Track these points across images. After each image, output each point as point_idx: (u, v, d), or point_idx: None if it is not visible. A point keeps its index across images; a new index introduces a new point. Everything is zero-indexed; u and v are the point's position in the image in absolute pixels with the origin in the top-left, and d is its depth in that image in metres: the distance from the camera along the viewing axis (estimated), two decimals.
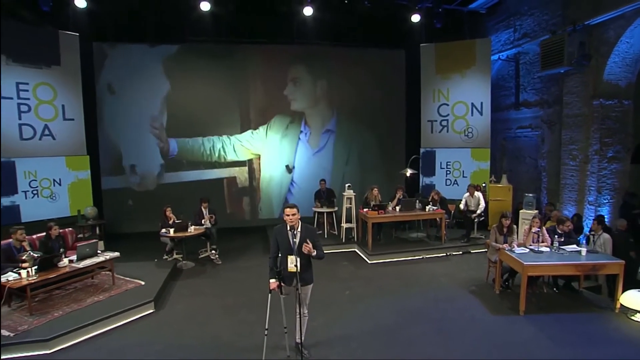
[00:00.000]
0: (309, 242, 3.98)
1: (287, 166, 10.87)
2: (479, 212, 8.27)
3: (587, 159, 7.87)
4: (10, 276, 4.98)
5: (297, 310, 4.05)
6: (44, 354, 4.38)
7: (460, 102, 9.86)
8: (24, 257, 5.08)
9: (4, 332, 4.51)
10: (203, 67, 10.22)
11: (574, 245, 5.62)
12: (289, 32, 10.29)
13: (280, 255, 4.14)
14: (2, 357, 4.25)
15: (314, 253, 4.03)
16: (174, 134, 10.21)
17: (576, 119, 8.02)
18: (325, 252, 8.02)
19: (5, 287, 4.83)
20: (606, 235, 5.81)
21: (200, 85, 10.31)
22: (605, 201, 7.85)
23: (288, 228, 4.04)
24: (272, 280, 4.09)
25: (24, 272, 4.99)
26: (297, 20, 9.67)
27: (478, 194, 8.48)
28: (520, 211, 8.05)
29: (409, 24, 9.71)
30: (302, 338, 4.29)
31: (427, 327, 4.90)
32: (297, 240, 4.05)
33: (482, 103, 9.67)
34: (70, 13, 8.19)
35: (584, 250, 5.35)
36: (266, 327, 4.17)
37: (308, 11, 9.14)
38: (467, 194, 8.52)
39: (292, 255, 4.01)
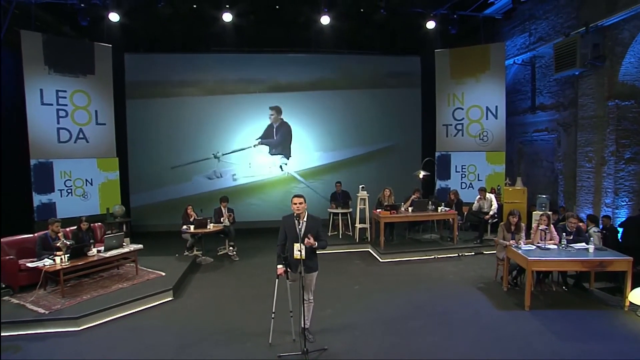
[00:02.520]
0: (310, 236, 4.21)
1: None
2: (491, 213, 8.30)
3: (603, 160, 7.80)
4: (47, 262, 5.49)
5: (302, 296, 4.29)
6: (73, 330, 4.83)
7: (475, 106, 9.95)
8: (58, 245, 5.58)
9: (41, 310, 5.00)
10: (226, 75, 10.74)
11: (583, 244, 5.62)
12: (307, 41, 10.71)
13: (287, 243, 4.40)
14: (39, 330, 4.76)
15: (315, 244, 4.28)
16: (197, 137, 10.76)
17: (591, 120, 7.97)
18: (339, 251, 8.37)
19: (42, 271, 5.32)
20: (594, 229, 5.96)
21: (223, 92, 10.82)
22: (623, 203, 7.73)
23: (295, 217, 4.32)
24: (279, 266, 4.37)
25: (58, 259, 5.49)
26: (315, 29, 10.06)
27: (490, 195, 8.53)
28: (534, 212, 8.02)
29: (424, 30, 9.94)
30: (308, 323, 4.53)
31: (430, 319, 5.04)
32: (302, 228, 4.31)
33: (497, 107, 9.73)
34: (105, 26, 8.87)
35: (591, 247, 5.36)
36: (273, 310, 4.46)
37: (325, 20, 9.51)
38: (479, 196, 8.59)
39: (297, 243, 4.27)
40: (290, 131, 10.98)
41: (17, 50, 8.00)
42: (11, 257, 5.65)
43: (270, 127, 10.88)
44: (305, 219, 4.35)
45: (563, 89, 8.90)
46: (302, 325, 4.46)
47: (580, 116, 8.24)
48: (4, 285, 5.65)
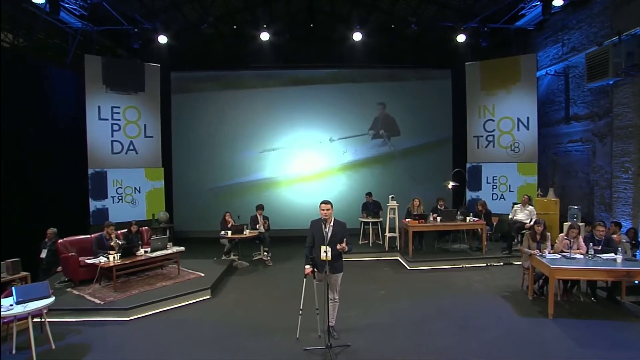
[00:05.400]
0: (339, 244, 4.55)
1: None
2: (531, 223, 8.14)
3: None
4: (102, 259, 6.19)
5: (327, 295, 4.62)
6: (124, 320, 5.45)
7: (506, 118, 9.96)
8: (112, 244, 6.27)
9: (97, 301, 5.69)
10: (263, 89, 11.44)
11: (612, 254, 5.57)
12: (340, 57, 11.19)
13: (315, 245, 4.76)
14: (96, 318, 5.42)
15: (346, 249, 4.61)
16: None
17: (627, 130, 7.82)
18: (369, 259, 8.62)
19: (98, 268, 6.01)
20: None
21: (261, 104, 11.49)
22: None
23: (322, 222, 4.68)
24: (307, 267, 4.73)
25: (111, 257, 6.17)
26: (348, 45, 10.51)
27: (531, 207, 8.40)
28: (565, 223, 7.91)
29: (455, 44, 10.13)
30: (333, 321, 4.84)
31: (451, 322, 5.21)
32: (329, 232, 4.66)
33: (528, 118, 9.70)
34: (155, 48, 9.78)
35: (619, 257, 5.32)
36: (300, 307, 4.82)
37: (357, 37, 9.95)
38: (520, 204, 8.53)
39: (324, 245, 4.62)
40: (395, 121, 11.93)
41: (80, 71, 9.01)
42: (73, 254, 6.38)
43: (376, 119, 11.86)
44: (332, 224, 4.70)
45: (597, 99, 8.76)
46: (328, 323, 4.78)
47: (616, 126, 8.09)
48: (66, 279, 6.40)
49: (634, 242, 6.16)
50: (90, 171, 9.20)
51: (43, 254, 6.64)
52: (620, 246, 5.65)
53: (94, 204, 9.28)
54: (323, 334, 4.71)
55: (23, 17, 7.91)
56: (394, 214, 9.07)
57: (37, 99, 8.19)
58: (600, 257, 5.51)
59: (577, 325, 5.02)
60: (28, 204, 7.61)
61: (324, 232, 4.64)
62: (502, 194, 10.03)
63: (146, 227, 8.29)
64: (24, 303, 4.44)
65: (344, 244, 4.57)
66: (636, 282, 5.75)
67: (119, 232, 7.42)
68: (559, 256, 5.62)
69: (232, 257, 8.57)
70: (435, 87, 11.68)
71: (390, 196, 9.31)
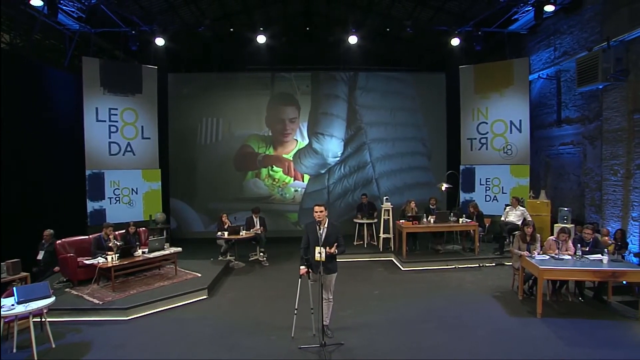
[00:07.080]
0: (330, 247, 4.70)
1: None
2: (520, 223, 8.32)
3: (629, 173, 7.78)
4: (100, 260, 6.28)
5: (322, 295, 4.74)
6: (123, 319, 5.54)
7: (499, 120, 10.12)
8: (110, 245, 6.36)
9: (96, 301, 5.77)
10: (259, 92, 11.53)
11: (599, 255, 5.73)
12: (336, 60, 11.30)
13: (310, 246, 4.87)
14: (95, 318, 5.51)
15: (335, 252, 4.76)
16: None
17: (616, 133, 8.00)
18: (364, 260, 8.74)
19: (96, 268, 6.10)
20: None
21: (258, 106, 11.60)
22: None
23: (317, 223, 4.80)
24: (302, 267, 4.85)
25: (109, 258, 6.25)
26: (344, 48, 10.63)
27: (522, 209, 8.58)
28: (555, 225, 8.08)
29: (449, 47, 10.28)
30: (327, 321, 4.96)
31: (443, 322, 5.35)
32: (323, 234, 4.79)
33: (520, 121, 9.87)
34: (152, 50, 9.84)
35: (605, 258, 5.48)
36: (296, 307, 4.93)
37: (353, 40, 10.06)
38: (510, 206, 8.70)
39: (318, 246, 4.74)
40: None
41: (78, 73, 9.08)
42: (71, 254, 6.46)
43: None
44: (326, 226, 4.82)
45: (588, 103, 8.94)
46: (322, 322, 4.90)
47: (605, 129, 8.27)
48: (65, 279, 6.48)
49: (620, 243, 6.30)
50: (87, 172, 9.26)
51: (40, 256, 6.70)
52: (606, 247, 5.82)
53: (91, 205, 9.34)
54: (317, 333, 4.83)
55: (21, 18, 7.98)
56: (389, 215, 9.20)
57: (34, 100, 8.24)
58: (587, 258, 5.67)
59: (565, 324, 5.17)
60: (26, 204, 7.66)
61: (319, 234, 4.77)
62: (495, 196, 10.19)
63: (144, 228, 8.36)
64: (25, 303, 4.53)
65: (333, 248, 4.69)
66: (624, 282, 5.92)
67: (117, 233, 7.51)
68: (548, 257, 5.77)
69: (228, 257, 8.66)
70: (429, 90, 11.81)
71: (384, 197, 9.45)
